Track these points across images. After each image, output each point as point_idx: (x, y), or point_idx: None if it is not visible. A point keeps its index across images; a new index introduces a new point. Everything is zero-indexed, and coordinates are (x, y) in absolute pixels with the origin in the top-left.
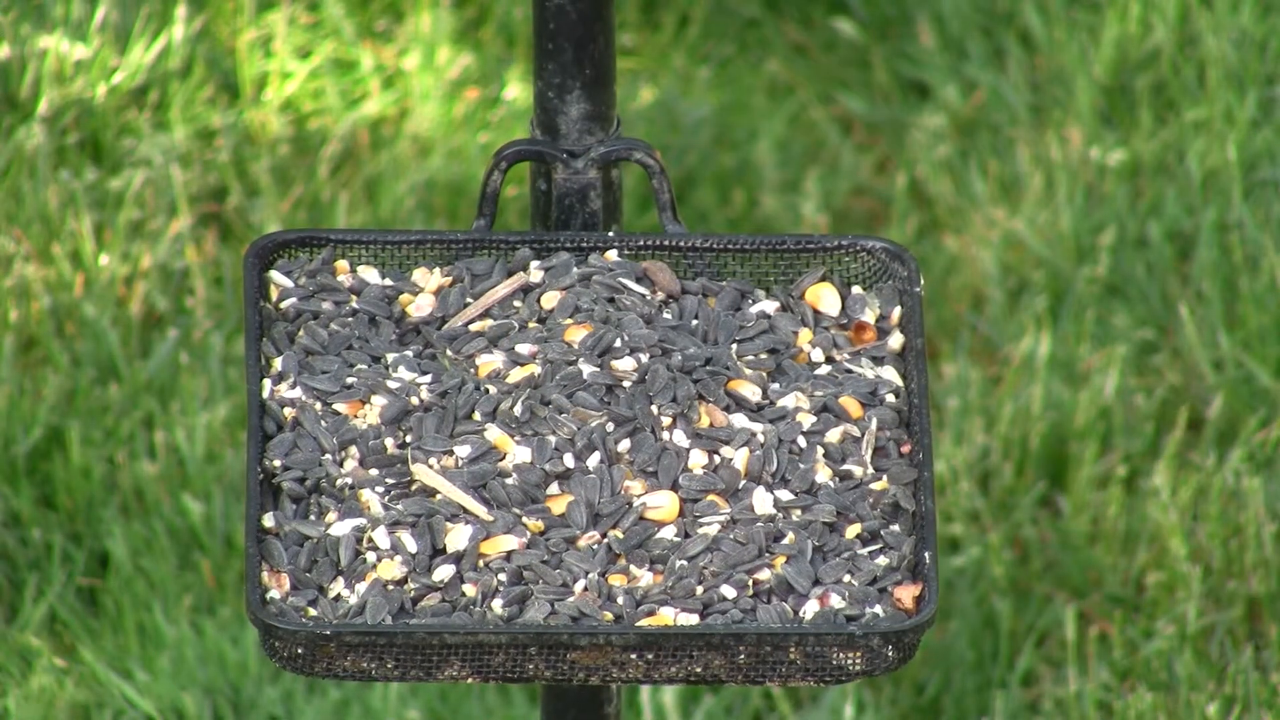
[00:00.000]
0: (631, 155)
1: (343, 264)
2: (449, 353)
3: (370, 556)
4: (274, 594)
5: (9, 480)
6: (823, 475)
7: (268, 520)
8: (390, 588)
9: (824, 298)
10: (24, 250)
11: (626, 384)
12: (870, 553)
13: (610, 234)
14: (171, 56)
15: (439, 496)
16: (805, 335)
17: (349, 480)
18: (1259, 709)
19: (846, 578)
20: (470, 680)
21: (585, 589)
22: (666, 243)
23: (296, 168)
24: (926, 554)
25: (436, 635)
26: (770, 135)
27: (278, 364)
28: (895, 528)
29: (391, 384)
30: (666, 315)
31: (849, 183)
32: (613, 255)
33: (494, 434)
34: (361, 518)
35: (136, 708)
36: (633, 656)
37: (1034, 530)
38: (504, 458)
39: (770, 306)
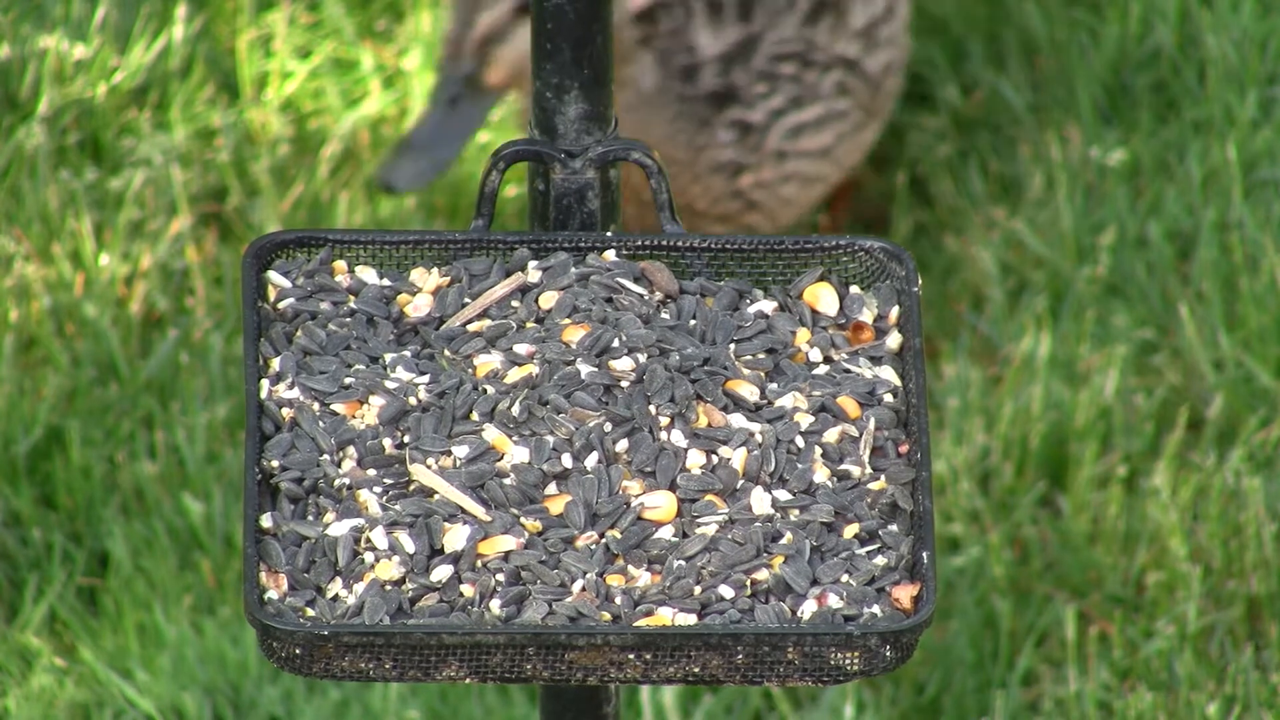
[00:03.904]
0: (629, 155)
1: (340, 264)
2: (447, 353)
3: (368, 557)
4: (272, 594)
5: (9, 480)
6: (820, 475)
7: (265, 521)
8: (388, 588)
9: (822, 298)
10: (24, 250)
11: (624, 384)
12: (868, 553)
13: (608, 234)
14: (171, 56)
15: (437, 497)
16: (803, 335)
17: (347, 480)
18: (1259, 709)
19: (844, 578)
20: (468, 680)
21: (583, 589)
22: (664, 243)
23: (296, 168)
24: (924, 554)
25: (434, 636)
26: None
27: (275, 364)
28: (893, 528)
29: (389, 384)
30: (664, 315)
31: None
32: (610, 255)
33: (492, 434)
34: (359, 518)
35: (136, 708)
36: (630, 657)
37: (1034, 530)
38: (502, 458)
39: (768, 306)
